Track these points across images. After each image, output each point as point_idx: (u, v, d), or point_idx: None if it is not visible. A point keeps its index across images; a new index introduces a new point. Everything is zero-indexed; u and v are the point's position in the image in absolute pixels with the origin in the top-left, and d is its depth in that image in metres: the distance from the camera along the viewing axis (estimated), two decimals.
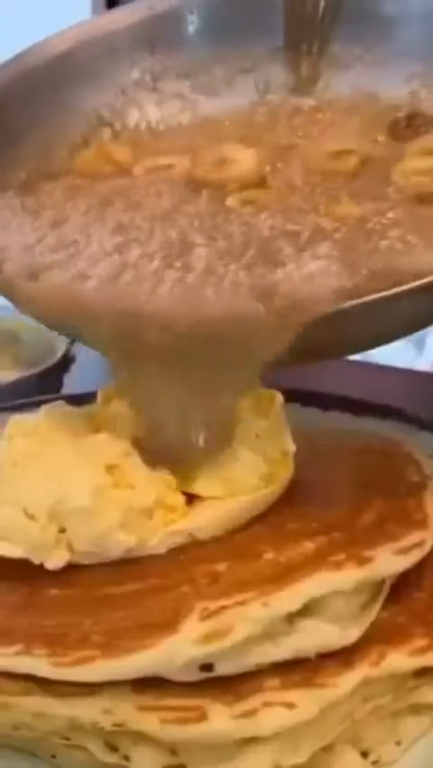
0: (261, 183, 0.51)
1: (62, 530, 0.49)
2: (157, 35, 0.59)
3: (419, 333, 1.00)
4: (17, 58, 0.57)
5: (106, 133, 0.58)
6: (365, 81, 0.57)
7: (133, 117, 0.58)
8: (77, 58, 0.57)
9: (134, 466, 0.50)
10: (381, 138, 0.54)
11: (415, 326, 0.49)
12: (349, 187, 0.49)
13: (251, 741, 0.44)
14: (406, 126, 0.54)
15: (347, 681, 0.45)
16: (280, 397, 0.53)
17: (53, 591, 0.49)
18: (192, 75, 0.59)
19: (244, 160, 0.52)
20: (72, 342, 0.76)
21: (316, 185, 0.50)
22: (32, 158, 0.55)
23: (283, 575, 0.46)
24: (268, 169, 0.52)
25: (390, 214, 0.46)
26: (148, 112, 0.58)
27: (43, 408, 0.54)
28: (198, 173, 0.52)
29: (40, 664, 0.46)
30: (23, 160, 0.55)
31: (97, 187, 0.52)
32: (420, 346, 1.02)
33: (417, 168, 0.49)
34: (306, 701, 0.44)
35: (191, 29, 0.59)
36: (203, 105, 0.59)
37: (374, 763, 0.48)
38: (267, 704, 0.44)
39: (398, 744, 0.48)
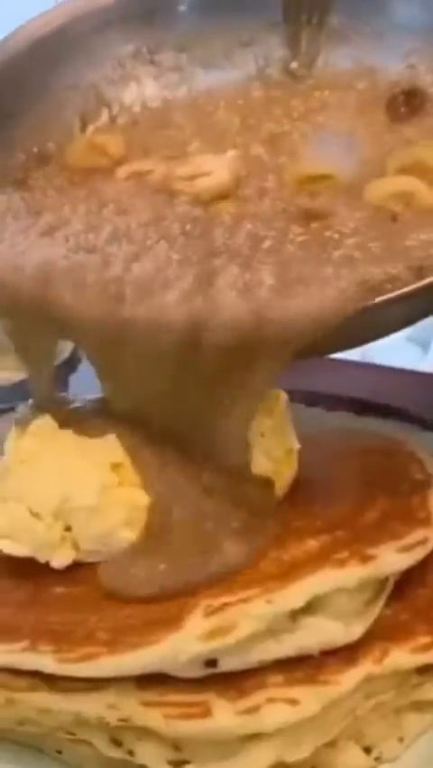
0: (232, 194, 0.51)
1: (68, 528, 0.49)
2: (152, 8, 0.58)
3: (425, 335, 1.00)
4: (8, 37, 0.56)
5: (104, 115, 0.57)
6: (364, 55, 0.57)
7: (131, 93, 0.58)
8: (71, 33, 0.57)
9: None
10: (379, 118, 0.54)
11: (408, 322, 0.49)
12: (319, 201, 0.49)
13: (254, 737, 0.45)
14: (404, 104, 0.53)
15: (350, 677, 0.46)
16: (284, 396, 0.54)
17: (59, 589, 0.49)
18: (189, 49, 0.58)
19: (217, 171, 0.51)
20: None
21: (286, 201, 0.50)
22: (30, 140, 0.55)
23: (287, 573, 0.47)
24: (244, 173, 0.52)
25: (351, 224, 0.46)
26: (146, 86, 0.58)
27: None
28: (173, 185, 0.52)
29: (45, 660, 0.46)
30: (19, 142, 0.55)
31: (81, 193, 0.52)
32: (426, 348, 1.02)
33: (390, 192, 0.48)
34: (309, 698, 0.45)
35: (187, 1, 0.58)
36: (201, 78, 0.58)
37: (377, 759, 0.48)
38: (270, 700, 0.45)
39: (400, 740, 0.48)
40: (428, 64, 0.55)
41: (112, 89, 0.58)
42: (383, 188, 0.49)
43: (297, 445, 0.53)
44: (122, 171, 0.53)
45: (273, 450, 0.53)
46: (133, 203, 0.49)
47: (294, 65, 0.57)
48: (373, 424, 0.63)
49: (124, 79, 0.58)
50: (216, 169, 0.51)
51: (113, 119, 0.57)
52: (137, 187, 0.51)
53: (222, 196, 0.50)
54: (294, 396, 0.55)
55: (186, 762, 0.46)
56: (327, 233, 0.46)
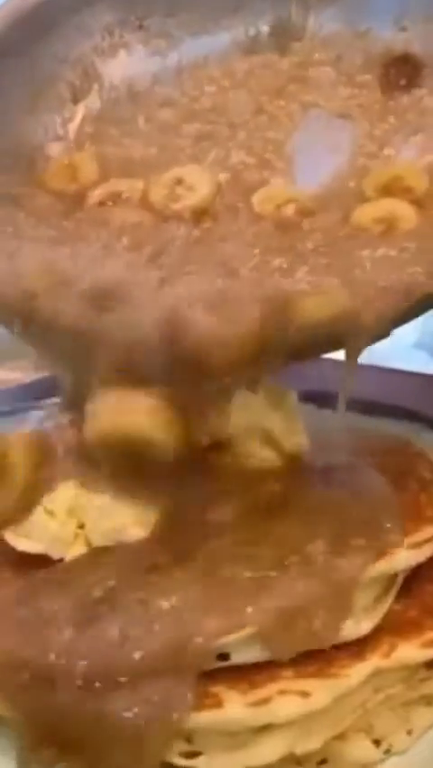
0: (211, 207, 0.51)
1: (81, 526, 0.50)
2: None
3: (432, 341, 1.00)
4: None
5: (94, 92, 0.56)
6: (354, 17, 0.54)
7: (120, 65, 0.56)
8: (59, 3, 0.55)
9: None
10: (372, 96, 0.53)
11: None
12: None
13: (265, 728, 0.45)
14: (396, 74, 0.52)
15: (359, 671, 0.46)
16: (293, 394, 0.54)
17: None
18: (176, 14, 0.56)
19: (200, 185, 0.51)
20: None
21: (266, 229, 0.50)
22: (20, 124, 0.55)
23: None
24: (223, 176, 0.52)
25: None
26: (134, 54, 0.56)
27: None
28: (155, 201, 0.51)
29: None
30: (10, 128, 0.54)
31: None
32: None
33: (375, 217, 0.48)
34: (319, 690, 0.45)
35: None
36: (189, 47, 0.56)
37: (386, 751, 0.48)
38: (281, 692, 0.45)
39: (409, 733, 0.49)
40: (421, 28, 0.53)
41: (101, 61, 0.56)
42: (369, 213, 0.49)
43: (306, 443, 0.54)
44: (96, 195, 0.52)
45: (282, 447, 0.53)
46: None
47: (283, 31, 0.55)
48: (381, 424, 0.63)
49: (113, 48, 0.56)
50: (195, 184, 0.51)
51: (102, 97, 0.56)
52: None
53: (202, 211, 0.51)
54: (304, 396, 0.55)
55: (198, 753, 0.46)
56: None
